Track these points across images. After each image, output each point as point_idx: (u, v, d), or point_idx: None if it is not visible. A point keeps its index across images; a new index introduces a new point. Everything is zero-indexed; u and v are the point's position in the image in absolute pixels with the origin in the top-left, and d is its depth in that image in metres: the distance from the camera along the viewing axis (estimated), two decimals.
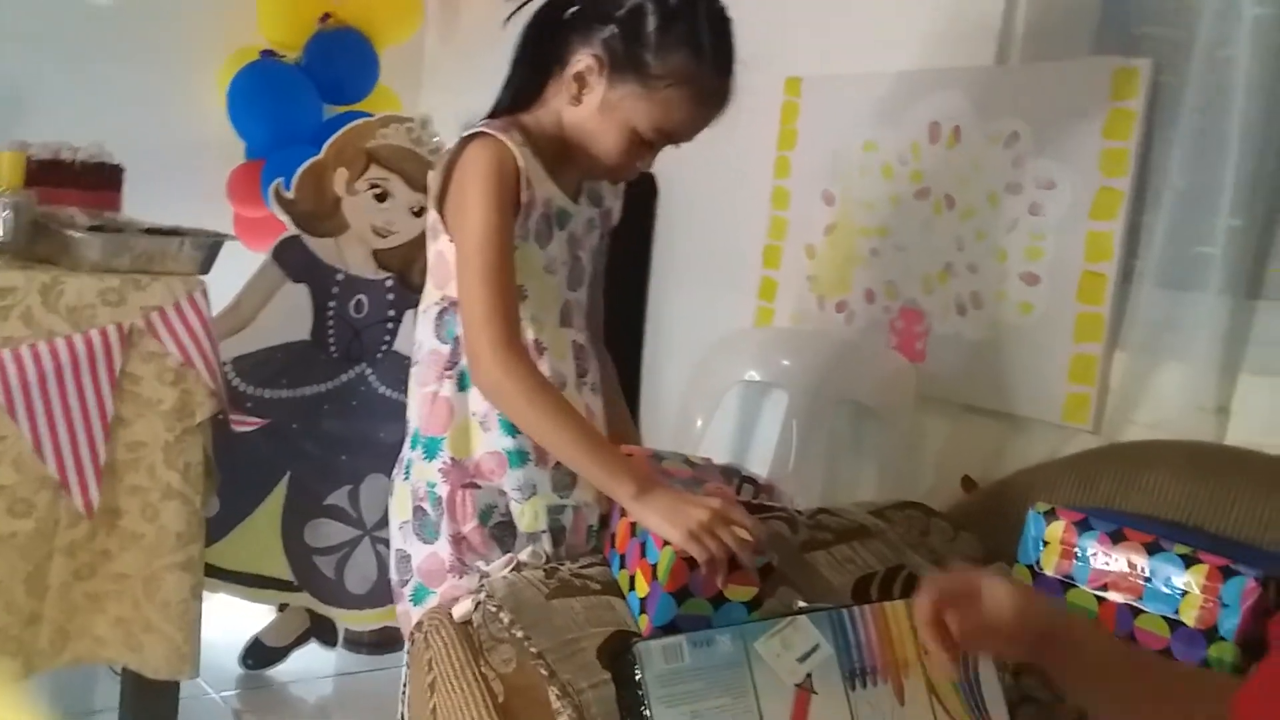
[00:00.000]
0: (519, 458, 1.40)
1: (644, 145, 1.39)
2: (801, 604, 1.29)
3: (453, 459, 1.41)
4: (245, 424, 2.18)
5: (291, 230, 2.53)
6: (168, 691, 2.08)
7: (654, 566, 1.24)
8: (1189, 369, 1.62)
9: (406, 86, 3.09)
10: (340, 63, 2.86)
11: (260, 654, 2.55)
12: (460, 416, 1.42)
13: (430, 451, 1.43)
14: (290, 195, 2.48)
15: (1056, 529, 1.45)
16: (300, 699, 2.42)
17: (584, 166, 1.45)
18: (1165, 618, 1.33)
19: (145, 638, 1.99)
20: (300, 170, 2.46)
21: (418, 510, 1.44)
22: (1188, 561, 1.33)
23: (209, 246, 2.04)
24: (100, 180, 2.23)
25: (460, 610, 1.26)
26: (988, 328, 1.88)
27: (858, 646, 1.21)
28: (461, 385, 1.43)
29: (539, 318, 1.43)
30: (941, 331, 1.95)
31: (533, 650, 1.16)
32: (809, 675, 1.16)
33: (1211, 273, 1.58)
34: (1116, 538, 1.40)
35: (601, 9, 1.36)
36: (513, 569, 1.32)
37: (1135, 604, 1.36)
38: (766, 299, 2.26)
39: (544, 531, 1.40)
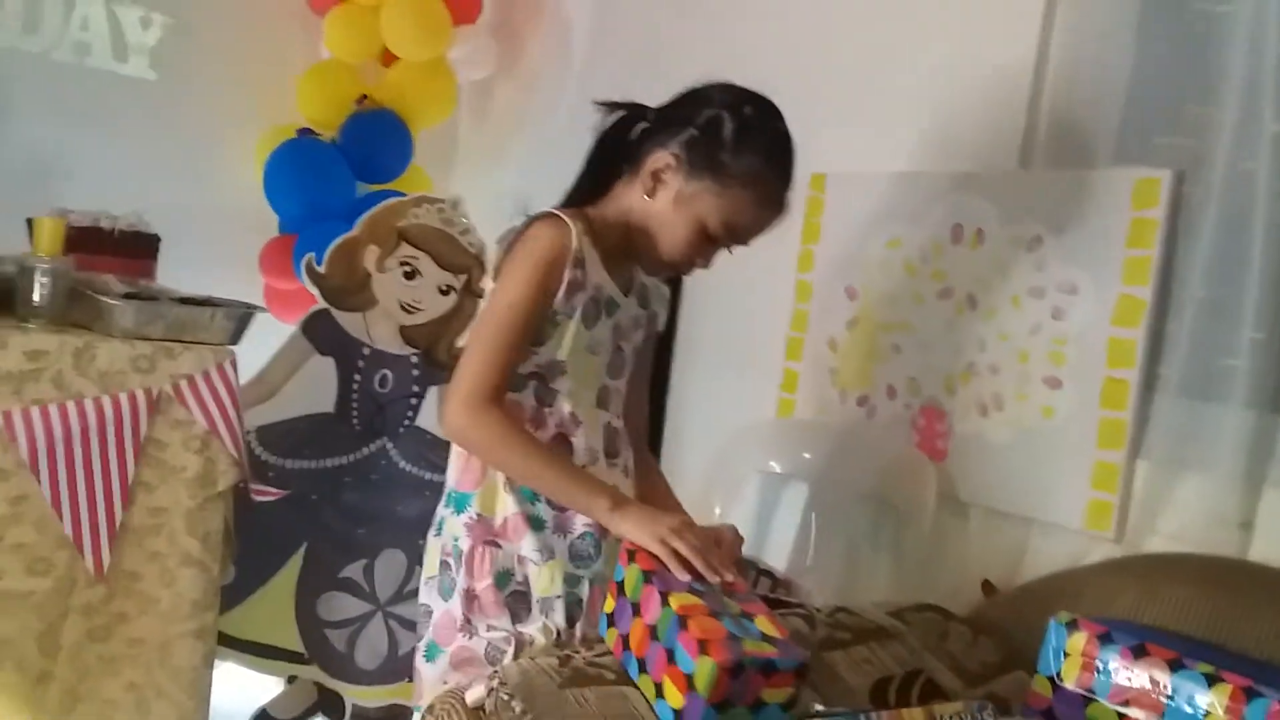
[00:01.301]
0: (540, 522, 1.47)
1: (708, 241, 1.52)
2: (819, 707, 1.27)
3: (479, 515, 1.48)
4: (266, 494, 2.20)
5: (321, 304, 2.57)
6: None
7: (689, 676, 1.21)
8: (1212, 481, 1.61)
9: (439, 167, 3.16)
10: (375, 143, 2.92)
11: None
12: (491, 476, 1.49)
13: (460, 507, 1.50)
14: (322, 270, 2.53)
15: (1078, 641, 1.44)
16: None
17: (646, 258, 1.56)
18: None
19: (156, 704, 1.98)
20: (333, 246, 2.51)
21: (443, 565, 1.50)
22: (1210, 680, 1.31)
23: (240, 318, 2.07)
24: (137, 249, 2.27)
25: (474, 696, 1.26)
26: (1010, 430, 1.88)
27: None
28: None
29: (576, 393, 1.51)
30: (963, 431, 1.95)
31: None
32: None
33: (1235, 385, 1.59)
34: (1139, 652, 1.38)
35: (681, 115, 1.51)
36: (515, 646, 1.35)
37: None
38: (788, 390, 2.27)
39: (558, 598, 1.44)
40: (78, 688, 1.94)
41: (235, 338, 2.08)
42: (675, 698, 1.23)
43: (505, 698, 1.20)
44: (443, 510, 1.55)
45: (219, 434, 1.99)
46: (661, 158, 1.49)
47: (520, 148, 3.07)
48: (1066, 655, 1.45)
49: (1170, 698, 1.33)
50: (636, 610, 1.30)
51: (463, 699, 1.26)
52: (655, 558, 1.34)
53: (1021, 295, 1.87)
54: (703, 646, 1.20)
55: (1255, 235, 1.58)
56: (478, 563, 1.46)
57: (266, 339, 2.61)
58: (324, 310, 2.54)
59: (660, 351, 2.62)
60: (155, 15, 2.76)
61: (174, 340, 1.97)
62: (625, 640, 1.32)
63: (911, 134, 2.09)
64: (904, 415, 2.05)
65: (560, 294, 1.46)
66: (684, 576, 1.32)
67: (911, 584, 1.93)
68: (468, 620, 1.45)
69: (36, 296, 1.87)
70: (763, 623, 1.30)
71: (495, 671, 1.27)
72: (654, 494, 1.64)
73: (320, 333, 2.51)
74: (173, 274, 2.27)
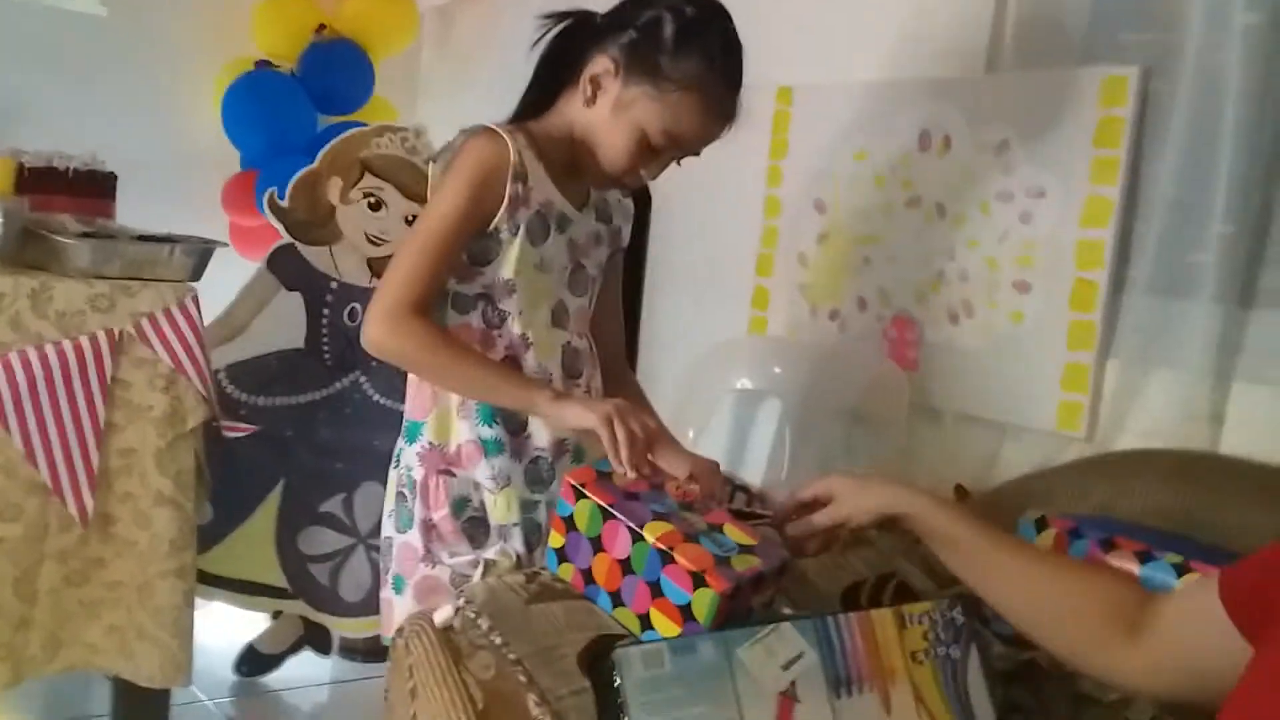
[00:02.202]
0: (495, 446, 1.44)
1: (651, 151, 1.45)
2: (787, 610, 1.27)
3: (431, 444, 1.46)
4: (236, 430, 2.18)
5: (285, 239, 2.54)
6: (159, 698, 2.07)
7: (684, 607, 1.19)
8: (1182, 377, 1.61)
9: (402, 97, 3.11)
10: (335, 73, 2.87)
11: (254, 661, 2.54)
12: (442, 402, 1.47)
13: (411, 435, 1.48)
14: (285, 204, 2.49)
15: (1047, 538, 1.44)
16: (294, 706, 2.42)
17: (591, 171, 1.49)
18: None
19: (139, 645, 1.98)
20: (295, 179, 2.47)
21: (399, 496, 1.49)
22: (1179, 570, 1.32)
23: (200, 253, 2.04)
24: (93, 188, 2.23)
25: (441, 616, 1.26)
26: (980, 336, 1.87)
27: (843, 654, 1.19)
28: None
29: (526, 313, 1.47)
30: (934, 340, 1.94)
31: (511, 657, 1.15)
32: (793, 683, 1.14)
33: (1204, 281, 1.57)
34: (1107, 546, 1.38)
35: (621, 19, 1.44)
36: (482, 569, 1.33)
37: None
38: (759, 308, 2.26)
39: (515, 525, 1.43)
40: (58, 633, 1.94)
41: (196, 274, 2.04)
42: (669, 627, 1.21)
43: (472, 615, 1.20)
44: (400, 442, 1.52)
45: (184, 371, 1.96)
46: (600, 62, 1.43)
47: (484, 74, 3.01)
48: None
49: None
50: (597, 546, 1.26)
51: (431, 620, 1.25)
52: (609, 489, 1.29)
53: (990, 201, 1.85)
54: (697, 578, 1.19)
55: (1224, 130, 1.55)
56: (433, 492, 1.45)
57: (233, 277, 2.58)
58: (289, 245, 2.50)
59: (632, 270, 2.60)
60: None
61: (132, 278, 1.94)
62: (587, 574, 1.28)
63: (877, 43, 2.05)
64: (875, 327, 2.04)
65: (501, 210, 1.42)
66: (619, 465, 1.30)
67: None
68: (428, 550, 1.44)
69: None
70: (733, 531, 1.29)
71: (461, 591, 1.27)
72: None
73: (286, 268, 2.47)
74: (133, 213, 2.23)
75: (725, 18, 1.46)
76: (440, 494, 1.44)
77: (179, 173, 2.80)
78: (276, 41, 2.86)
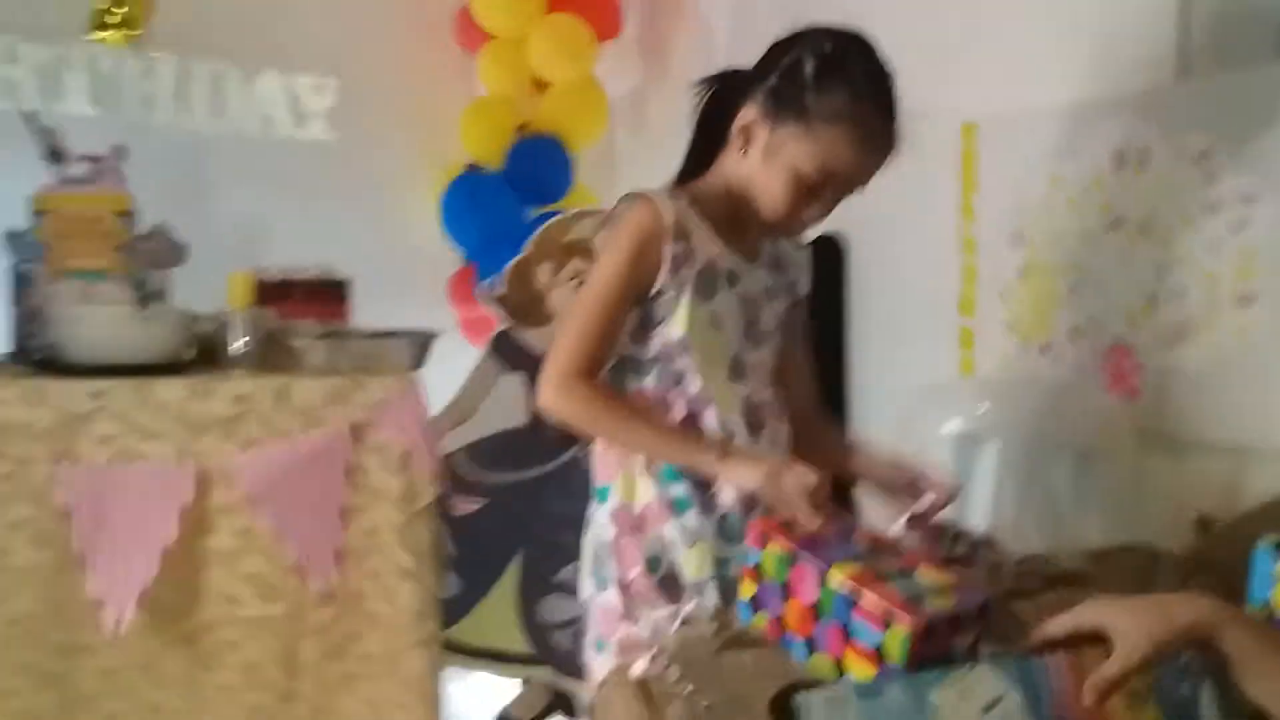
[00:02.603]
0: (683, 504, 1.46)
1: (809, 191, 1.44)
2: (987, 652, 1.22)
3: (620, 504, 1.49)
4: (466, 506, 2.32)
5: (504, 324, 2.70)
6: None
7: (878, 649, 1.17)
8: None
9: (602, 182, 3.24)
10: (538, 167, 3.04)
11: None
12: (628, 465, 1.50)
13: (601, 497, 1.52)
14: (499, 292, 2.65)
15: None
16: None
17: (754, 222, 1.49)
18: None
19: (394, 715, 2.09)
20: (507, 268, 2.62)
21: (595, 559, 1.53)
22: None
23: (420, 343, 2.19)
24: (328, 295, 2.44)
25: (638, 669, 1.28)
26: (1205, 356, 1.75)
27: (1051, 696, 1.13)
28: None
29: (704, 369, 1.48)
30: (1155, 365, 1.83)
31: (704, 704, 1.16)
32: None
33: None
34: None
35: (765, 68, 1.46)
36: (679, 624, 1.35)
37: None
38: (966, 348, 2.20)
39: (710, 579, 1.43)
40: (323, 705, 2.07)
41: (418, 362, 2.19)
42: (864, 671, 1.19)
43: (664, 665, 1.22)
44: (591, 507, 1.57)
45: (416, 452, 2.10)
46: (747, 113, 1.44)
47: (676, 151, 3.09)
48: (1277, 582, 1.34)
49: None
50: (787, 592, 1.26)
51: (628, 674, 1.28)
52: (792, 534, 1.28)
53: (1195, 213, 1.75)
54: (887, 617, 1.16)
55: None
56: (627, 551, 1.47)
57: (464, 365, 2.77)
58: (507, 330, 2.66)
59: (833, 320, 2.59)
60: (326, 80, 2.97)
61: (362, 372, 2.11)
62: (780, 622, 1.28)
63: (1061, 65, 1.99)
64: (1090, 358, 1.94)
65: (663, 271, 1.43)
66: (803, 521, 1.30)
67: (1122, 533, 1.82)
68: (627, 609, 1.46)
69: (234, 345, 2.05)
70: (926, 573, 1.26)
71: (655, 643, 1.29)
72: (830, 455, 1.60)
73: (506, 351, 2.63)
74: (369, 315, 2.40)
75: (868, 47, 1.45)
76: (633, 553, 1.47)
77: (407, 274, 3.03)
78: (483, 144, 3.07)
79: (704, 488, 1.47)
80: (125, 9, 2.71)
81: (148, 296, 2.10)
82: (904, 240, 2.32)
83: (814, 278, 2.38)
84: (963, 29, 2.12)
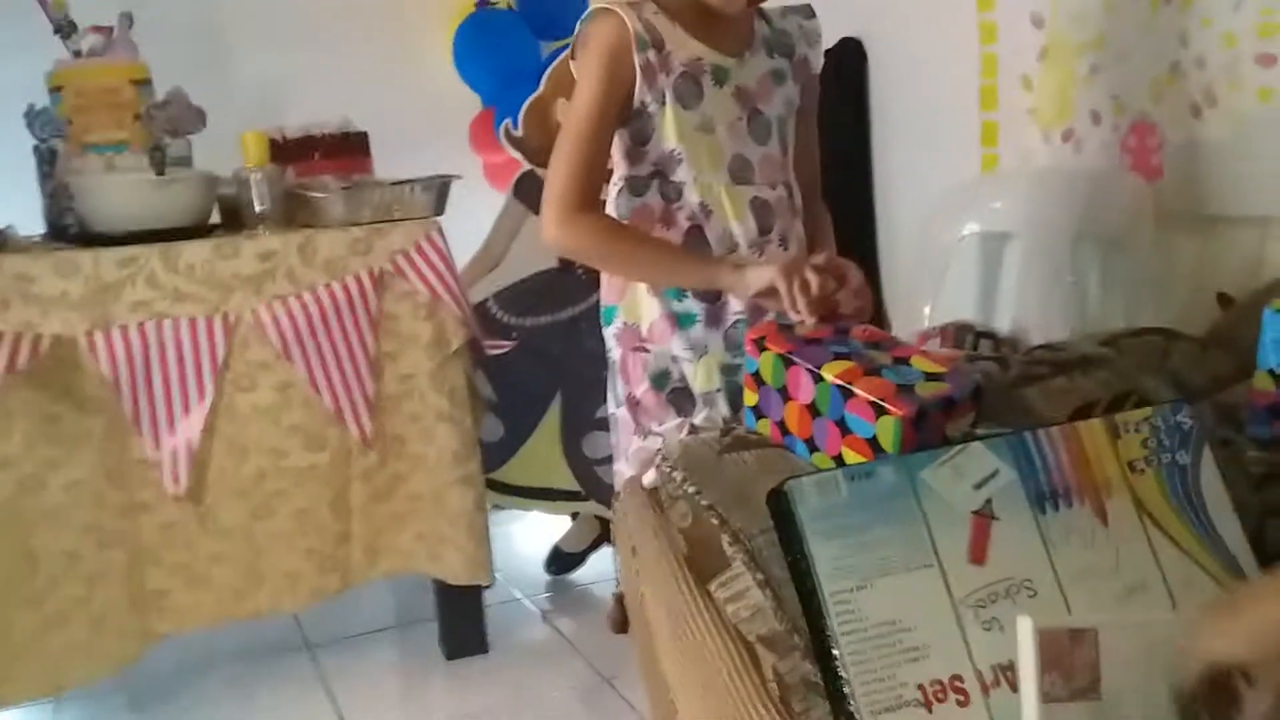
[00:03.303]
0: (687, 320, 1.46)
1: None
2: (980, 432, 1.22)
3: (625, 324, 1.50)
4: (498, 348, 2.36)
5: (526, 166, 2.68)
6: (472, 597, 2.30)
7: (872, 440, 1.18)
8: None
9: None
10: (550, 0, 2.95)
11: (561, 560, 2.74)
12: (632, 284, 1.50)
13: (608, 319, 1.52)
14: (519, 133, 2.63)
15: None
16: (600, 598, 2.59)
17: (722, 8, 1.41)
18: None
19: (442, 549, 2.19)
20: (523, 108, 2.59)
21: (609, 376, 1.54)
22: None
23: (438, 189, 2.20)
24: (347, 149, 2.45)
25: (649, 478, 1.31)
26: (1228, 125, 1.68)
27: (1045, 470, 1.12)
28: None
29: (701, 178, 1.45)
30: (1177, 141, 1.76)
31: (704, 503, 1.18)
32: (988, 501, 1.10)
33: None
34: None
35: None
36: (687, 433, 1.36)
37: None
38: (989, 144, 2.13)
39: (718, 391, 1.44)
40: (375, 544, 2.18)
41: (439, 208, 2.21)
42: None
43: (668, 470, 1.25)
44: (603, 329, 1.58)
45: (441, 298, 2.13)
46: None
47: None
48: None
49: None
50: (785, 395, 1.27)
51: (640, 482, 1.32)
52: (789, 338, 1.29)
53: None
54: (877, 408, 1.17)
55: None
56: (631, 368, 1.49)
57: (491, 211, 2.77)
58: (530, 171, 2.65)
59: (857, 126, 2.52)
60: None
61: (383, 221, 2.13)
62: (782, 425, 1.29)
63: None
64: (1112, 139, 1.87)
65: (638, 83, 1.40)
66: (799, 313, 1.29)
67: (1146, 315, 1.79)
68: (638, 423, 1.49)
69: (257, 204, 2.07)
70: (920, 361, 1.25)
71: (659, 450, 1.32)
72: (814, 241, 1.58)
73: (530, 193, 2.61)
74: (392, 167, 2.41)
75: None
76: (638, 370, 1.48)
77: (428, 122, 3.01)
78: None
79: (711, 299, 1.47)
80: None
81: (170, 162, 2.13)
82: (923, 36, 2.23)
83: (835, 81, 2.31)
84: None
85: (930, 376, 1.22)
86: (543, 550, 2.76)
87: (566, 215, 1.40)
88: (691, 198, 1.45)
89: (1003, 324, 1.97)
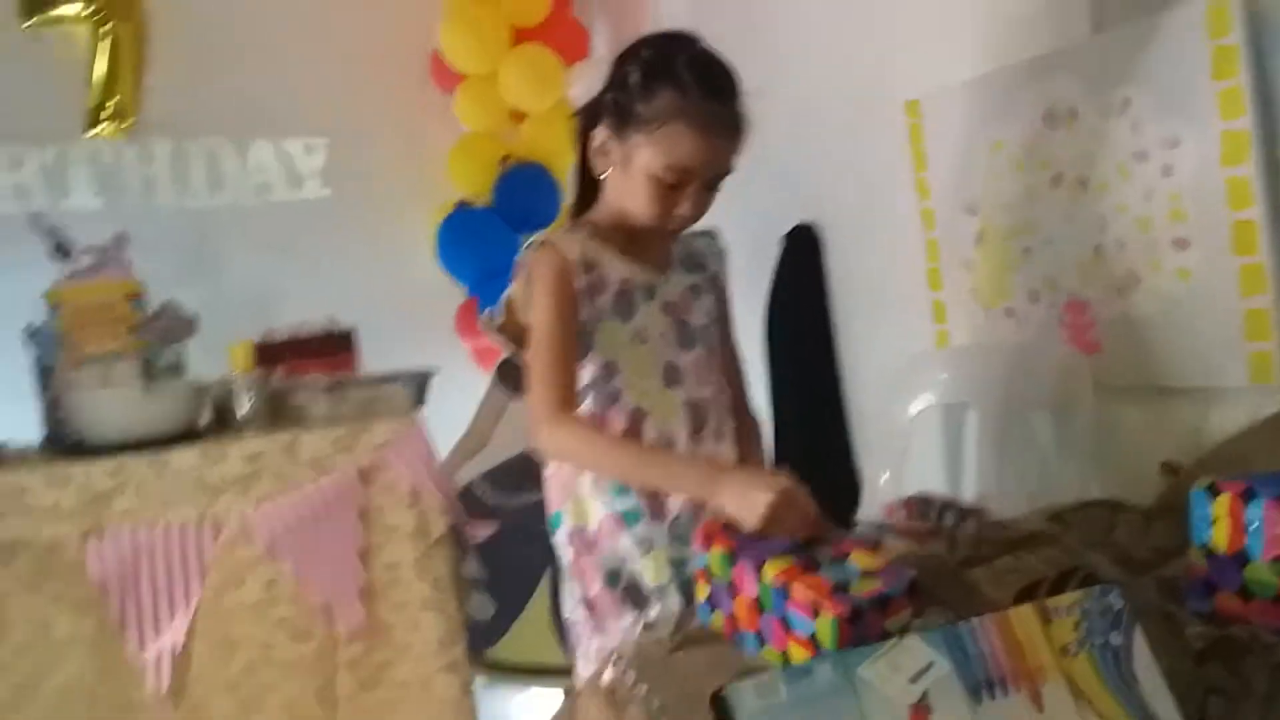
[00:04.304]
0: (632, 517, 1.51)
1: (670, 189, 1.48)
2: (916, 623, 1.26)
3: (573, 526, 1.55)
4: (481, 531, 2.41)
5: (506, 352, 2.78)
6: None
7: (812, 637, 1.22)
8: None
9: None
10: (525, 195, 3.12)
11: None
12: (575, 489, 1.57)
13: (555, 524, 1.57)
14: (499, 321, 2.74)
15: (1223, 503, 1.35)
16: None
17: (644, 232, 1.53)
18: None
19: None
20: (503, 296, 2.70)
21: (563, 580, 1.59)
22: None
23: (418, 383, 2.29)
24: (333, 346, 2.56)
25: (606, 678, 1.35)
26: (1152, 303, 1.78)
27: (980, 659, 1.17)
28: None
29: (637, 384, 1.53)
30: (1108, 317, 1.86)
31: (655, 705, 1.23)
32: (925, 693, 1.14)
33: None
34: None
35: (604, 90, 1.52)
36: (641, 630, 1.41)
37: None
38: (940, 321, 2.23)
39: (669, 583, 1.48)
40: None
41: (419, 401, 2.29)
42: (805, 658, 1.25)
43: (622, 670, 1.29)
44: (552, 535, 1.63)
45: (424, 488, 2.20)
46: (597, 135, 1.50)
47: None
48: (1214, 522, 1.37)
49: None
50: (733, 590, 1.31)
51: (598, 681, 1.35)
52: (731, 534, 1.33)
53: (1126, 161, 1.78)
54: (815, 606, 1.22)
55: None
56: (585, 571, 1.54)
57: (481, 394, 2.87)
58: (509, 358, 2.75)
59: (818, 306, 2.63)
60: (315, 140, 3.10)
61: (366, 417, 2.21)
62: (733, 619, 1.33)
63: (986, 33, 2.03)
64: (1050, 316, 1.97)
65: (581, 303, 1.51)
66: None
67: (1096, 484, 1.85)
68: (595, 625, 1.53)
69: (242, 409, 2.17)
70: (859, 558, 1.31)
71: (613, 650, 1.36)
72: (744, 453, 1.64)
73: (511, 377, 2.71)
74: (382, 359, 2.52)
75: (689, 40, 1.50)
76: (591, 571, 1.53)
77: (415, 314, 3.14)
78: (471, 179, 3.17)
79: (653, 496, 1.52)
80: (116, 98, 2.87)
81: (163, 371, 2.23)
82: (872, 222, 2.37)
83: (795, 267, 2.44)
84: (893, 10, 2.16)
85: (866, 574, 1.27)
86: None
87: (549, 421, 1.47)
88: (627, 402, 1.53)
89: (968, 493, 2.03)
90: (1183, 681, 1.22)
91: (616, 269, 1.54)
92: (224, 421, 2.23)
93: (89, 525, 1.98)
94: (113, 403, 2.15)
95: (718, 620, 1.37)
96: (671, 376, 1.57)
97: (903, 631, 1.23)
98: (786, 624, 1.26)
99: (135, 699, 2.00)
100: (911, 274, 2.28)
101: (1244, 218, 1.61)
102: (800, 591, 1.24)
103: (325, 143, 3.11)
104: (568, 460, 1.54)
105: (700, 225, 1.62)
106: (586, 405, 1.55)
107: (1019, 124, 1.96)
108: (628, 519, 1.52)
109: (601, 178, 1.54)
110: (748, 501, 1.33)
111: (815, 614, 1.22)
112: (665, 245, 1.60)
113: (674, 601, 1.49)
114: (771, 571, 1.27)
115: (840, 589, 1.23)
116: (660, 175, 1.47)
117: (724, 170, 1.51)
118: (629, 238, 1.55)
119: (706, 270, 1.66)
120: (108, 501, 2.01)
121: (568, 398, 1.49)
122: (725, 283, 1.69)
